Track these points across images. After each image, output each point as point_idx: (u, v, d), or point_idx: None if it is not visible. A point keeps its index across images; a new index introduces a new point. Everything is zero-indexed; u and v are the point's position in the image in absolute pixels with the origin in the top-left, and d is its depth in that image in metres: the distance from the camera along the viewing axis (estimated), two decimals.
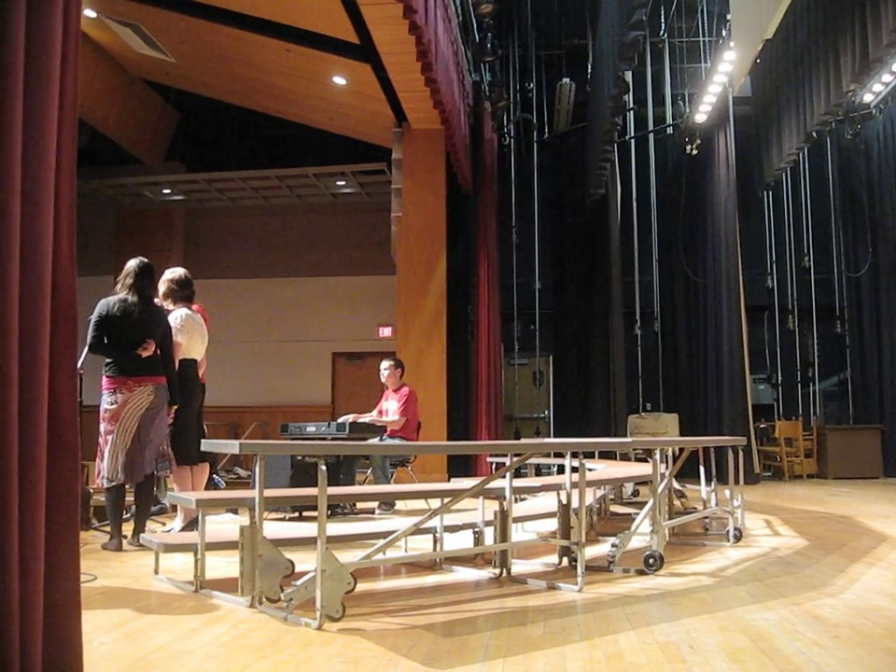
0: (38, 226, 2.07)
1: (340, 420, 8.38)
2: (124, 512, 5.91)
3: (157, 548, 4.47)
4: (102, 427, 5.64)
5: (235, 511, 7.15)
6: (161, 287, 6.41)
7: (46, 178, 2.09)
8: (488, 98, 13.13)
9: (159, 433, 5.75)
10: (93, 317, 5.69)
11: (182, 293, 6.46)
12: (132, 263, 5.88)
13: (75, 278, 2.24)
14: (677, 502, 7.34)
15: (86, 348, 5.65)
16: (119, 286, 5.83)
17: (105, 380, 5.69)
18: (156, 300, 6.16)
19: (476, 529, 4.96)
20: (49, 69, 2.09)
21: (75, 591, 2.24)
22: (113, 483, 5.57)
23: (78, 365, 5.01)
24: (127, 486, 5.72)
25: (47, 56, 2.09)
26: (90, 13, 11.06)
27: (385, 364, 9.04)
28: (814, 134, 11.82)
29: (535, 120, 15.65)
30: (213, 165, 15.43)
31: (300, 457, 7.28)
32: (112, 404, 5.61)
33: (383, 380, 9.08)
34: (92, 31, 11.83)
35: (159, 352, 5.83)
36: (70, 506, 2.21)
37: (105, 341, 5.65)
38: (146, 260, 5.94)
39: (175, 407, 5.98)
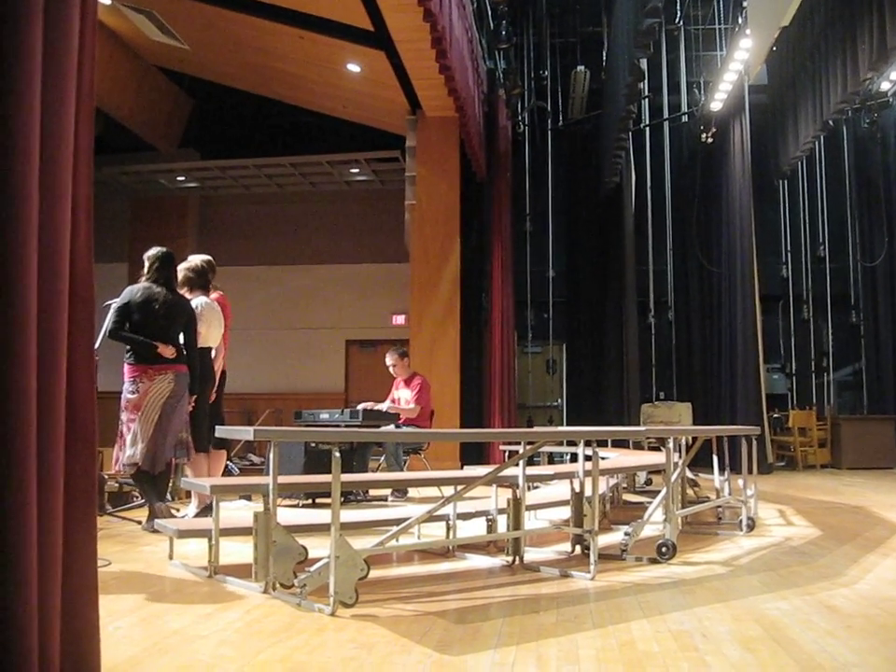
0: (57, 215, 2.08)
1: (353, 407, 8.38)
2: (137, 498, 5.94)
3: (171, 533, 4.49)
4: (123, 415, 5.67)
5: (249, 498, 7.18)
6: (179, 274, 6.41)
7: (64, 166, 2.10)
8: (502, 86, 13.09)
9: (179, 421, 5.77)
10: (117, 303, 5.72)
11: (199, 281, 6.47)
12: (153, 252, 5.91)
13: (92, 267, 2.25)
14: (690, 491, 7.33)
15: (103, 332, 5.67)
16: (143, 277, 5.86)
17: (126, 367, 5.71)
18: None
19: (489, 517, 4.97)
20: (66, 57, 2.10)
21: (92, 575, 2.25)
22: (134, 472, 5.61)
23: (94, 350, 5.04)
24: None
25: (64, 44, 2.09)
26: (104, 0, 11.06)
27: (389, 360, 8.98)
28: (830, 123, 11.74)
29: (549, 108, 15.59)
30: (227, 152, 15.45)
31: (313, 444, 7.30)
32: (133, 393, 5.63)
33: (392, 373, 9.05)
34: (107, 18, 11.85)
35: (181, 340, 5.86)
36: (87, 490, 2.22)
37: (127, 327, 5.67)
38: (166, 249, 5.97)
39: (195, 396, 6.01)
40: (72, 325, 2.17)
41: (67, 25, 2.10)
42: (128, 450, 5.59)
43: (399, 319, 15.65)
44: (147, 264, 5.88)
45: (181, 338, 5.88)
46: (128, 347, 5.70)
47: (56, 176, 2.07)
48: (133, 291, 5.74)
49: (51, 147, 2.07)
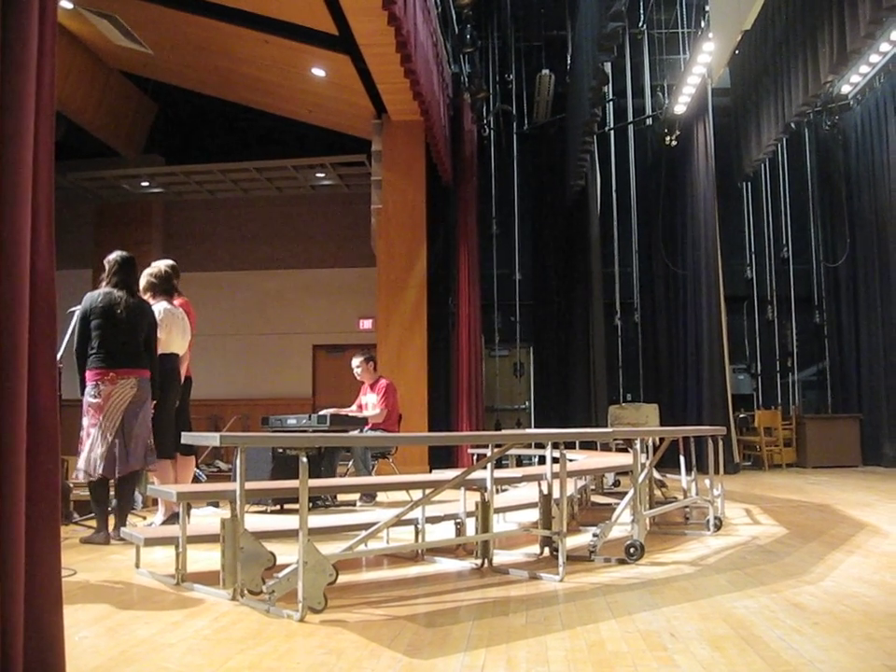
0: (17, 218, 2.05)
1: (321, 412, 8.36)
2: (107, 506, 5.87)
3: (138, 542, 4.45)
4: (84, 419, 5.60)
5: (216, 505, 7.13)
6: (142, 280, 6.35)
7: (23, 169, 2.07)
8: (468, 89, 13.11)
9: (144, 427, 5.71)
10: (78, 316, 5.66)
11: (161, 287, 6.41)
12: (113, 256, 5.85)
13: (53, 270, 2.23)
14: (657, 492, 7.37)
15: (65, 339, 5.61)
16: (103, 282, 5.80)
17: (88, 372, 5.65)
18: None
19: (458, 520, 4.97)
20: (25, 59, 2.07)
21: (56, 584, 2.23)
22: (92, 478, 5.54)
23: (57, 357, 4.99)
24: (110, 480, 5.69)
25: (23, 46, 2.07)
26: (66, 4, 10.96)
27: (355, 362, 9.01)
28: (792, 125, 11.87)
29: (514, 112, 15.64)
30: (191, 157, 15.34)
31: (281, 450, 7.27)
32: (95, 397, 5.57)
33: (357, 377, 9.07)
34: (69, 22, 11.74)
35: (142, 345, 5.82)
36: (50, 498, 2.20)
37: (96, 339, 5.61)
38: (126, 253, 5.92)
39: (155, 402, 5.95)
40: (33, 332, 2.14)
41: (25, 27, 2.08)
42: (87, 454, 5.53)
43: (366, 324, 15.62)
44: (106, 268, 5.83)
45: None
46: (92, 350, 5.62)
47: (15, 181, 2.05)
48: (94, 298, 5.67)
49: (10, 150, 2.04)
